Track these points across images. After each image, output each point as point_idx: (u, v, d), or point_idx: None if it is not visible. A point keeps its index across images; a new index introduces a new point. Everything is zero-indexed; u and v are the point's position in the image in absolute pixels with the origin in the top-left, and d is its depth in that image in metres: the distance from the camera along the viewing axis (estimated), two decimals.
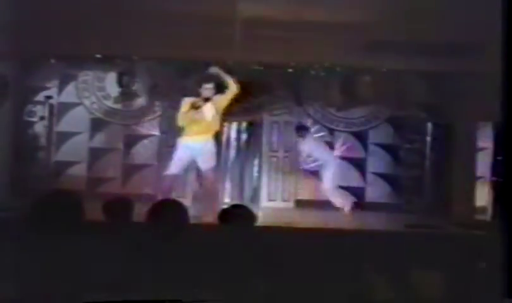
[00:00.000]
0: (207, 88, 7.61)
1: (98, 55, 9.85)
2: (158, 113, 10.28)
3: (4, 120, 9.81)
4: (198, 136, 7.64)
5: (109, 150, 10.19)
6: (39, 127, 9.89)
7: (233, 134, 10.39)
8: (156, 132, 10.31)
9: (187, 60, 9.85)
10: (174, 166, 7.67)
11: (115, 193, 8.18)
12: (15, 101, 9.79)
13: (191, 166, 8.33)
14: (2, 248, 2.75)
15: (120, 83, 10.21)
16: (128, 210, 3.77)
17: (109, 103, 10.25)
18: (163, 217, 3.26)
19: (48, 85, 10.10)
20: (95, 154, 10.14)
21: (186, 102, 7.67)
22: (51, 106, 9.71)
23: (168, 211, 3.32)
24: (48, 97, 9.11)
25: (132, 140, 10.25)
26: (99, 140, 10.20)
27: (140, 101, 10.30)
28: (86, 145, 10.17)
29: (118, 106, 10.26)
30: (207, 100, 7.60)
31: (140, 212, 3.55)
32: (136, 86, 10.26)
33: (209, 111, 7.64)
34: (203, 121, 7.60)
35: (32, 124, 10.00)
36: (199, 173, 7.84)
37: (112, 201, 3.87)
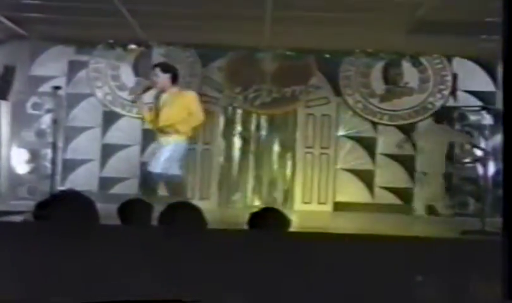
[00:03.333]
0: (159, 76, 7.76)
1: (111, 40, 9.92)
2: None
3: (6, 113, 9.94)
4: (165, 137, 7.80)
5: (124, 147, 10.25)
6: (45, 121, 9.99)
7: (262, 128, 10.38)
8: None
9: (211, 46, 9.88)
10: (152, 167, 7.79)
11: (131, 194, 8.26)
12: (18, 91, 9.91)
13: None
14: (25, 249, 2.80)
15: (136, 71, 10.26)
16: (146, 212, 3.79)
17: (124, 95, 10.30)
18: (178, 220, 3.27)
19: (55, 74, 10.19)
20: (109, 152, 10.21)
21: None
22: (58, 98, 9.80)
23: (183, 213, 3.34)
24: (56, 88, 9.20)
25: (147, 136, 10.29)
26: (113, 136, 10.26)
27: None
28: (99, 141, 10.24)
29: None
30: (148, 89, 7.83)
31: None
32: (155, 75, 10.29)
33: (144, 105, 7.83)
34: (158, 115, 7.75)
35: (37, 117, 10.10)
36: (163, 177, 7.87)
37: (128, 203, 3.89)
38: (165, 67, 7.85)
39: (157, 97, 7.79)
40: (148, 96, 7.98)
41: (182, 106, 7.66)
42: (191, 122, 7.79)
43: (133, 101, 7.86)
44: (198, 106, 7.82)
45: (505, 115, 2.72)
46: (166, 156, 7.67)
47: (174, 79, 7.75)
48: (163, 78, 7.65)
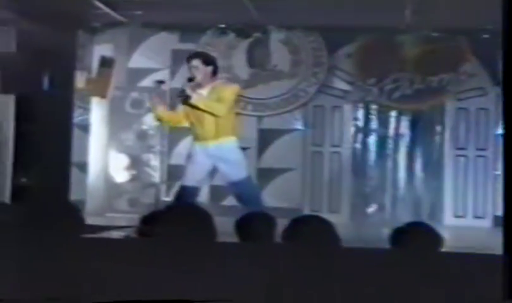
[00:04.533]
0: (194, 67, 7.55)
1: (221, 25, 10.09)
2: (303, 100, 10.37)
3: (103, 113, 10.28)
4: (213, 138, 7.52)
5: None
6: (147, 121, 10.26)
7: (403, 127, 10.28)
8: (299, 126, 10.40)
9: (339, 29, 9.87)
10: (188, 179, 7.63)
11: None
12: (115, 87, 10.24)
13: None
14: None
15: (251, 61, 10.39)
16: (269, 228, 3.81)
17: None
18: (305, 235, 3.28)
19: (157, 66, 10.45)
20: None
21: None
22: (162, 93, 10.06)
23: (312, 228, 3.34)
24: (160, 82, 9.43)
25: (267, 137, 10.40)
26: None
27: (278, 84, 10.44)
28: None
29: (249, 92, 10.44)
30: (190, 80, 7.56)
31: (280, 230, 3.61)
32: (273, 65, 10.40)
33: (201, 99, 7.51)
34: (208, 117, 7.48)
35: (137, 117, 10.40)
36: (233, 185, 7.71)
37: (248, 216, 3.93)
38: (207, 59, 7.71)
39: (191, 92, 7.56)
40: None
41: (229, 101, 7.56)
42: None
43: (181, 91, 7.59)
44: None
45: (506, 115, 3.04)
46: (229, 160, 7.57)
47: (215, 73, 7.65)
48: (204, 71, 7.55)
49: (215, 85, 7.52)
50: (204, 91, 7.46)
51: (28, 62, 8.51)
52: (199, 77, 7.44)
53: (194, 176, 7.58)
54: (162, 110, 7.71)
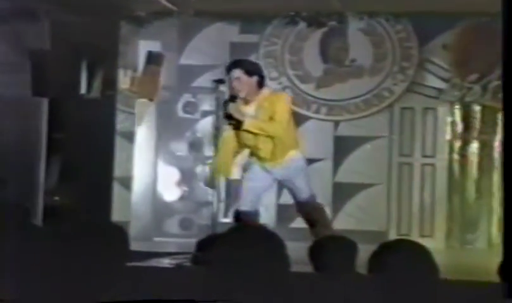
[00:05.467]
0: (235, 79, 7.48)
1: (290, 12, 10.09)
2: (388, 101, 10.31)
3: (150, 118, 10.34)
4: (271, 159, 7.51)
5: (312, 161, 10.35)
6: (203, 128, 10.30)
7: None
8: (383, 133, 10.33)
9: (432, 14, 9.78)
10: (245, 201, 7.62)
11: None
12: (164, 87, 10.30)
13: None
14: None
15: (326, 56, 10.37)
16: (349, 255, 3.79)
17: (309, 89, 10.44)
18: (394, 265, 3.25)
19: (214, 62, 10.49)
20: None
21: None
22: (220, 95, 10.09)
23: (403, 256, 3.31)
24: (219, 81, 9.47)
25: (344, 145, 10.35)
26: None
27: (358, 83, 10.41)
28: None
29: (323, 92, 10.41)
30: (233, 99, 7.48)
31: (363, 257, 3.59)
32: (352, 59, 10.37)
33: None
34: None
35: (191, 123, 10.46)
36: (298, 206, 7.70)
37: (323, 241, 3.91)
38: (250, 68, 7.65)
39: (237, 114, 7.55)
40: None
41: (283, 117, 7.54)
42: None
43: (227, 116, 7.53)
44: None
45: (506, 115, 3.35)
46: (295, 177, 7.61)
47: (261, 84, 7.60)
48: (248, 84, 7.50)
49: (263, 98, 7.49)
50: (251, 109, 7.46)
51: (63, 60, 8.60)
52: (243, 92, 7.42)
53: (252, 195, 7.61)
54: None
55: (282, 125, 7.35)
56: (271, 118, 7.33)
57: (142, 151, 10.43)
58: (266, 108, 7.37)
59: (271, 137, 7.35)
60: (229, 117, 7.37)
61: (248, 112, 7.40)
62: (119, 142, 9.76)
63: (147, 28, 10.23)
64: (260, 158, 7.50)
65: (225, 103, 7.50)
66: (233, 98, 7.44)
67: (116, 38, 9.42)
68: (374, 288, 3.18)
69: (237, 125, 7.35)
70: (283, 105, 7.48)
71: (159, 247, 8.73)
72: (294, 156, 7.55)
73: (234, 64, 7.67)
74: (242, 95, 7.41)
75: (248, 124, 7.28)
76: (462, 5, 9.43)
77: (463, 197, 10.14)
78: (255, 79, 7.45)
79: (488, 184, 10.06)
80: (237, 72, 7.44)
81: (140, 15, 10.13)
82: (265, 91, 7.55)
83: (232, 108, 7.37)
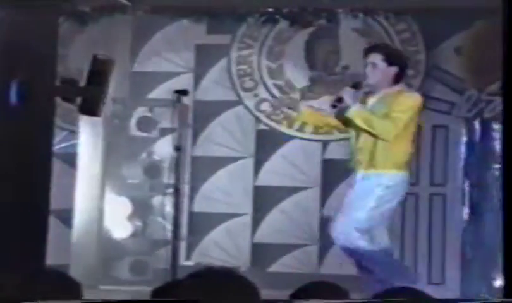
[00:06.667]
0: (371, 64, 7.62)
1: (268, 9, 10.15)
2: None
3: (96, 137, 10.38)
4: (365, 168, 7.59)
5: (294, 190, 10.42)
6: (160, 150, 10.37)
7: None
8: None
9: (439, 10, 9.85)
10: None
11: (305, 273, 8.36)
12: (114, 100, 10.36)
13: None
14: None
15: (312, 61, 10.46)
16: None
17: (292, 102, 10.49)
18: None
19: (175, 69, 10.54)
20: (268, 200, 10.42)
21: None
22: (183, 109, 10.16)
23: None
24: (181, 92, 9.58)
25: (331, 172, 10.42)
26: (275, 171, 10.48)
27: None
28: (250, 182, 10.49)
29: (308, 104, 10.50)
30: (356, 86, 7.65)
31: None
32: (344, 66, 10.48)
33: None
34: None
35: (147, 143, 10.53)
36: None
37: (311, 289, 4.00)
38: (392, 55, 7.71)
39: (350, 100, 7.65)
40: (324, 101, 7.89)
41: (403, 119, 7.56)
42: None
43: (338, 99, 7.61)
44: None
45: (506, 115, 3.68)
46: (372, 202, 7.61)
47: (399, 78, 7.65)
48: (384, 73, 7.59)
49: (390, 92, 7.64)
50: (373, 99, 7.64)
51: None
52: (373, 79, 7.62)
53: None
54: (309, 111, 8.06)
55: (396, 129, 7.44)
56: (386, 116, 7.47)
57: (86, 177, 10.45)
58: (387, 103, 7.53)
59: (376, 138, 7.47)
60: (339, 100, 7.50)
61: (365, 104, 7.62)
62: (57, 166, 9.77)
63: (93, 26, 10.26)
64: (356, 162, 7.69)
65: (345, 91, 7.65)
66: (357, 84, 7.67)
67: (54, 38, 9.44)
68: None
69: (340, 112, 7.56)
70: (409, 107, 7.57)
71: (106, 297, 8.78)
72: (399, 177, 7.68)
73: (374, 47, 7.93)
74: (371, 81, 7.65)
75: (354, 112, 7.42)
76: (479, 1, 9.52)
77: (481, 236, 10.21)
78: (393, 69, 7.62)
79: None
80: (375, 57, 7.63)
81: (84, 11, 10.14)
82: (398, 88, 7.70)
83: (348, 92, 7.55)
